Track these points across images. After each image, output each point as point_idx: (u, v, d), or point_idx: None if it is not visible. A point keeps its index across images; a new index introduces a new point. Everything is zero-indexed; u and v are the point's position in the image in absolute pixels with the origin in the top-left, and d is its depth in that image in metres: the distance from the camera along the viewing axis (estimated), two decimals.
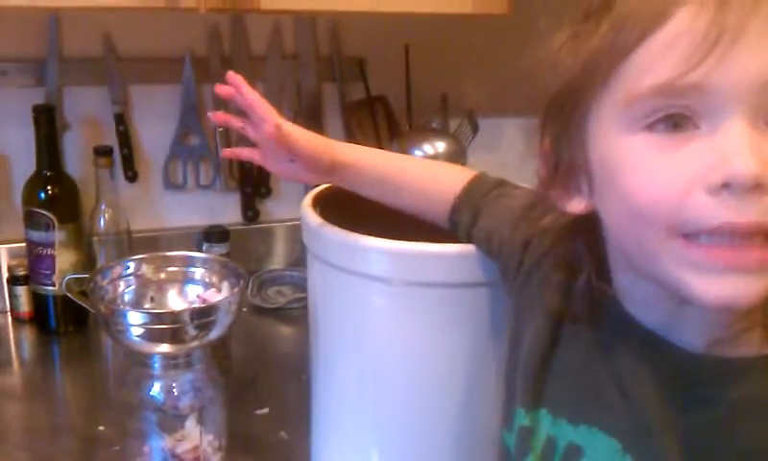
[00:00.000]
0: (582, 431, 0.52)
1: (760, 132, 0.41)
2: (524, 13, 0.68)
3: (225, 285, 0.84)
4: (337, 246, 0.72)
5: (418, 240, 0.69)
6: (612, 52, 0.45)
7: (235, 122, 0.74)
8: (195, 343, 0.77)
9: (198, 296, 0.85)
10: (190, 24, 1.29)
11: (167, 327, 0.75)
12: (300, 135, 0.72)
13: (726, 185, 0.41)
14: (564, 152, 0.50)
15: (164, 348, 0.77)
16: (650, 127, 0.44)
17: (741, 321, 0.46)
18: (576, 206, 0.51)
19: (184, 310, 0.78)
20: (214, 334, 0.78)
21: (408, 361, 0.72)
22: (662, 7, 0.43)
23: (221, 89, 0.72)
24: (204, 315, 0.77)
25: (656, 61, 0.43)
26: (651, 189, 0.44)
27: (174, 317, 0.76)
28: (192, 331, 0.76)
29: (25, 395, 1.05)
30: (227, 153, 0.79)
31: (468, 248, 0.69)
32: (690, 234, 0.43)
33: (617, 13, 0.45)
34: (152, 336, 0.76)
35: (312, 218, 0.76)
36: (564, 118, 0.49)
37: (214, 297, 0.83)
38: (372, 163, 0.76)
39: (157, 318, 0.76)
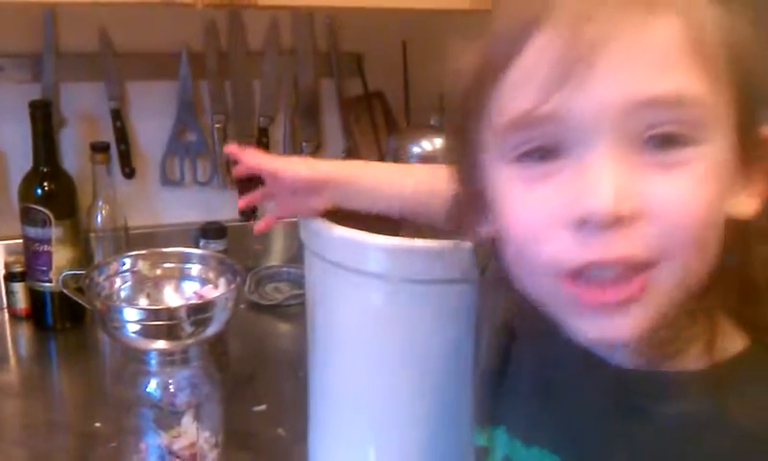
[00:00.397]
0: (534, 454, 0.51)
1: (631, 160, 0.39)
2: None
3: (221, 282, 0.84)
4: (334, 242, 0.72)
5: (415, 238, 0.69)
6: (484, 74, 0.43)
7: (257, 196, 0.82)
8: (191, 339, 0.77)
9: (194, 292, 0.85)
10: (187, 19, 1.29)
11: (163, 323, 0.75)
12: (289, 159, 0.78)
13: (584, 222, 0.39)
14: (465, 169, 0.49)
15: (161, 344, 0.77)
16: (518, 159, 0.42)
17: (673, 342, 0.44)
18: (485, 229, 0.49)
19: (181, 307, 0.77)
20: (211, 331, 0.78)
21: (405, 357, 0.72)
22: (520, 32, 0.41)
23: (238, 172, 0.79)
24: (200, 311, 0.76)
25: (517, 90, 0.41)
26: (520, 226, 0.43)
27: (170, 313, 0.76)
28: (188, 328, 0.76)
29: (22, 391, 1.05)
30: (263, 225, 0.83)
31: (466, 244, 0.68)
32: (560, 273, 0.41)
33: (490, 32, 0.44)
34: (148, 333, 0.76)
35: None
36: (461, 134, 0.48)
37: (211, 293, 0.83)
38: (368, 172, 0.76)
39: (154, 314, 0.76)
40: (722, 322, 0.45)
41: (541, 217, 0.41)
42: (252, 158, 0.77)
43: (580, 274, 0.40)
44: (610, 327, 0.41)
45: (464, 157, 0.48)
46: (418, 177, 0.76)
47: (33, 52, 1.22)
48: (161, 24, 1.27)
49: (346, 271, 0.72)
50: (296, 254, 1.40)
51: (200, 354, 0.80)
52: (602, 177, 0.38)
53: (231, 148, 0.79)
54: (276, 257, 1.43)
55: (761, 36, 0.41)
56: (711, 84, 0.39)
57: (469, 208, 0.50)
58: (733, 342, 0.45)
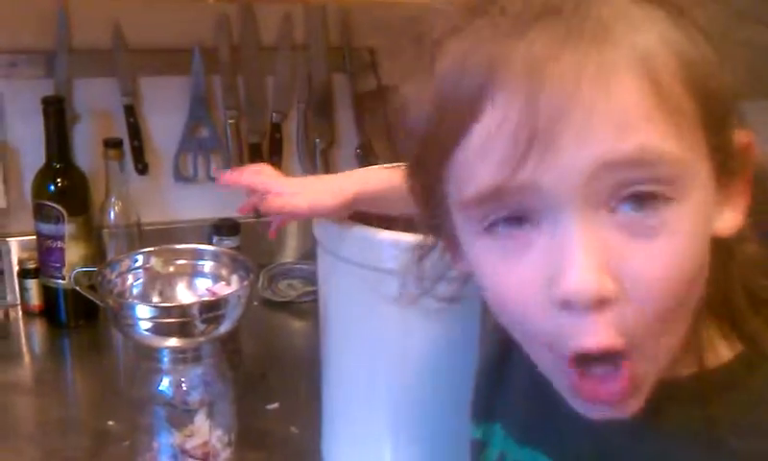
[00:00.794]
0: (526, 454, 0.50)
1: (607, 229, 0.37)
2: None
3: (234, 279, 0.83)
4: (347, 239, 0.72)
5: None
6: (440, 140, 0.41)
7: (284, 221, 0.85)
8: (204, 337, 0.77)
9: (207, 289, 0.85)
10: (199, 14, 1.28)
11: (176, 320, 0.75)
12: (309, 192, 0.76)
13: (568, 302, 0.37)
14: (435, 207, 0.45)
15: (173, 342, 0.76)
16: (488, 230, 0.40)
17: None
18: (463, 266, 0.47)
19: (193, 304, 0.77)
20: (223, 328, 0.77)
21: (419, 354, 0.71)
22: (471, 104, 0.38)
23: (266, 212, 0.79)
24: (213, 309, 0.76)
25: (476, 164, 0.39)
26: (506, 304, 0.41)
27: (182, 310, 0.76)
28: (201, 325, 0.75)
29: (35, 389, 1.05)
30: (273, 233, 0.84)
31: None
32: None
33: (440, 91, 0.40)
34: (160, 330, 0.75)
35: None
36: (426, 176, 0.44)
37: (223, 290, 0.82)
38: (371, 178, 0.75)
39: (166, 311, 0.76)
40: (708, 327, 0.44)
41: (526, 295, 0.39)
42: (276, 205, 0.76)
43: (577, 360, 0.39)
44: (606, 413, 0.41)
45: (426, 205, 0.46)
46: None
47: (45, 48, 1.22)
48: (174, 19, 1.27)
49: (359, 267, 0.71)
50: (309, 251, 1.39)
51: (212, 352, 0.80)
52: (579, 254, 0.37)
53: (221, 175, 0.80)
54: (289, 254, 1.42)
55: (717, 44, 0.39)
56: (678, 127, 0.37)
57: (443, 248, 0.49)
58: (724, 348, 0.44)
